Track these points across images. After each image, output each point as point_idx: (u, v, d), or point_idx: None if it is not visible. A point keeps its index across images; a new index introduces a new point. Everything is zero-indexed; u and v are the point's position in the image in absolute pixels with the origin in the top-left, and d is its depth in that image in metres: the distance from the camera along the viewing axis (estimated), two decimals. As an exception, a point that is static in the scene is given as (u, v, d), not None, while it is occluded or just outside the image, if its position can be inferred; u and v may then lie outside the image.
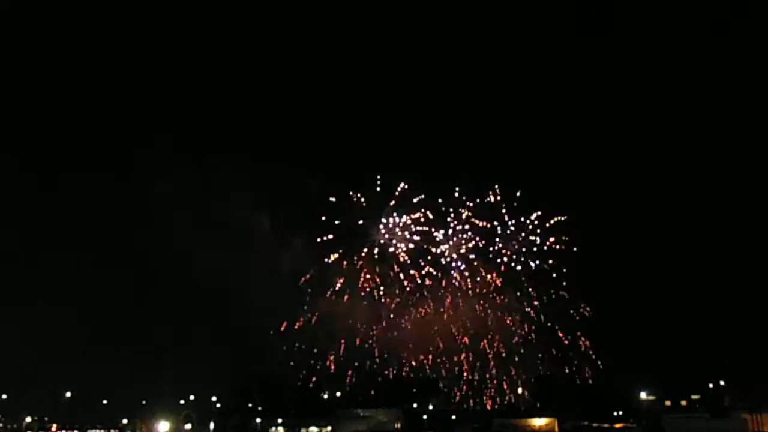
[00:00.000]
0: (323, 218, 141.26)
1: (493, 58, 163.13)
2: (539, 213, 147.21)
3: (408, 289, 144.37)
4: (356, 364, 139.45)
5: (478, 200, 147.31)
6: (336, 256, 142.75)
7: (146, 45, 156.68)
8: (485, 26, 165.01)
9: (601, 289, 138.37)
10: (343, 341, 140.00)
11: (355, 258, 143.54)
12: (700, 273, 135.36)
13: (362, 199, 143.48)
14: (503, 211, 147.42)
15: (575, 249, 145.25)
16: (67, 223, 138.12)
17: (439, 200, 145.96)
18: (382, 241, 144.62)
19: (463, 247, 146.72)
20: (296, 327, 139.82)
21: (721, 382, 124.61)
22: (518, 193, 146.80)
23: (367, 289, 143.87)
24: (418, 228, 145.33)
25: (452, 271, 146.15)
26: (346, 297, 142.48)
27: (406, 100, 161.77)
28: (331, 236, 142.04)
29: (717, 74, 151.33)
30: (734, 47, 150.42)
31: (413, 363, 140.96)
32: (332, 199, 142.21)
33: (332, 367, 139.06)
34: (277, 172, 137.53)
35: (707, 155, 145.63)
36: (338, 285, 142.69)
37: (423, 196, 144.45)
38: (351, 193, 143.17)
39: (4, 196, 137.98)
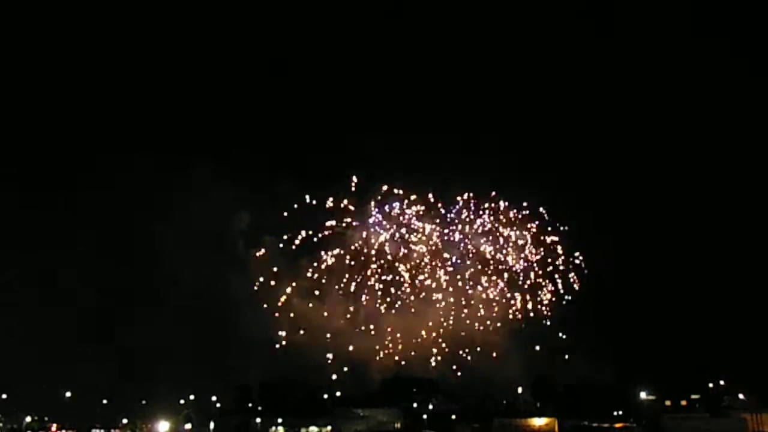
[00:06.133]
0: (299, 219, 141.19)
1: (475, 55, 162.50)
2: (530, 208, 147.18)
3: (387, 288, 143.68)
4: (345, 369, 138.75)
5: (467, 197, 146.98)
6: (312, 257, 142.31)
7: (123, 47, 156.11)
8: (474, 23, 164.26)
9: (600, 288, 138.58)
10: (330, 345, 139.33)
11: (333, 259, 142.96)
12: (700, 272, 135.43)
13: (340, 201, 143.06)
14: (493, 209, 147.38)
15: (573, 247, 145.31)
16: (63, 223, 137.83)
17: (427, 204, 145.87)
18: (360, 241, 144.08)
19: (447, 244, 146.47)
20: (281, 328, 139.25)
21: (721, 382, 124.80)
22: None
23: (349, 291, 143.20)
24: (398, 227, 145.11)
25: (435, 269, 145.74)
26: (325, 298, 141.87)
27: (391, 99, 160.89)
28: (307, 237, 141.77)
29: (717, 74, 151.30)
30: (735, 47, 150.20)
31: (401, 362, 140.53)
32: (308, 199, 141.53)
33: (327, 367, 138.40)
34: (254, 172, 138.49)
35: (705, 153, 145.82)
36: (316, 286, 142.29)
37: (403, 195, 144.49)
38: (328, 195, 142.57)
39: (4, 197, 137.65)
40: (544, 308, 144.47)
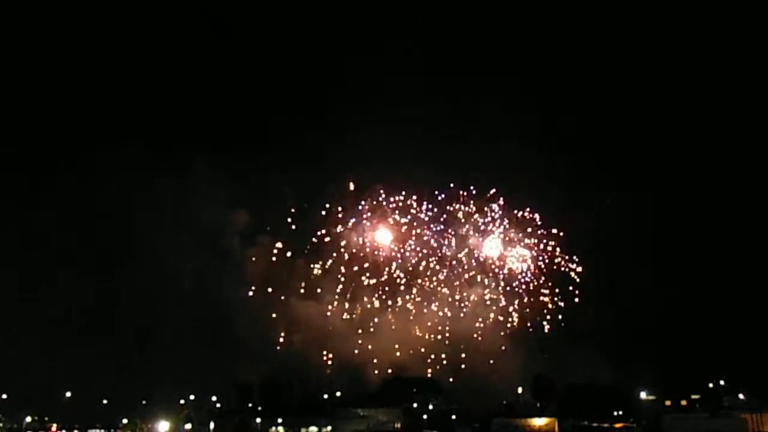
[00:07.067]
0: (297, 220, 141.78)
1: (471, 54, 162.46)
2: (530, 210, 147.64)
3: (384, 289, 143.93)
4: (344, 369, 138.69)
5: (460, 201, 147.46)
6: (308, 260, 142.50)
7: (122, 43, 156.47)
8: (473, 22, 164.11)
9: (601, 288, 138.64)
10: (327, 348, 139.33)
11: (330, 262, 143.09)
12: (700, 272, 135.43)
13: (337, 202, 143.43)
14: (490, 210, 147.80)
15: (572, 248, 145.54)
16: (62, 223, 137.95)
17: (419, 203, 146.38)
18: (356, 243, 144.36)
19: (441, 247, 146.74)
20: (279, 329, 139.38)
21: (721, 382, 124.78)
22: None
23: (347, 292, 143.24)
24: (395, 229, 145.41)
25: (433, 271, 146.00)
26: (323, 299, 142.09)
27: (390, 100, 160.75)
28: (304, 238, 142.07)
29: (718, 74, 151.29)
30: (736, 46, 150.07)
31: (400, 363, 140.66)
32: (306, 200, 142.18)
33: (326, 368, 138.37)
34: (252, 173, 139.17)
35: (704, 154, 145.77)
36: (314, 287, 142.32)
37: (402, 197, 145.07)
38: (326, 196, 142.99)
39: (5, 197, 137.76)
40: (543, 310, 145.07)
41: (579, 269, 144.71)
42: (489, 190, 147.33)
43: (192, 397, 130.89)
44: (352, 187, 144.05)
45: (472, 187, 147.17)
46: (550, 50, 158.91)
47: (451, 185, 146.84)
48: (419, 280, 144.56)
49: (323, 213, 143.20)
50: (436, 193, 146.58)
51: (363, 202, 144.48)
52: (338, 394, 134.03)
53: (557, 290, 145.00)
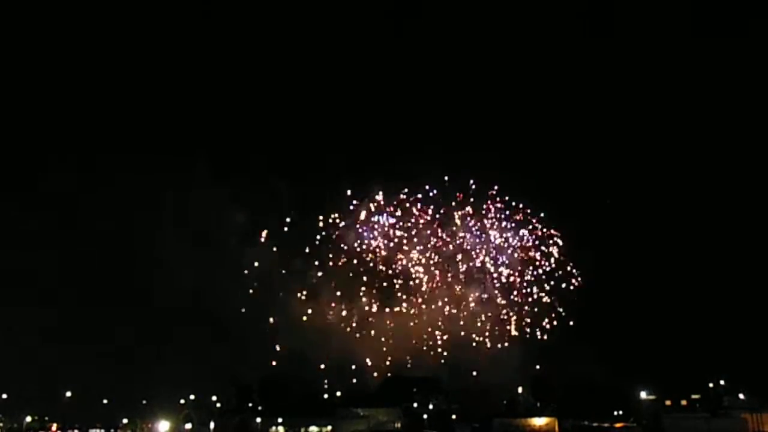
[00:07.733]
0: (296, 220, 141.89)
1: (470, 58, 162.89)
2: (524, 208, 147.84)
3: (383, 290, 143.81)
4: (344, 369, 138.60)
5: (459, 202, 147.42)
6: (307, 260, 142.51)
7: (123, 43, 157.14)
8: (474, 28, 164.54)
9: (601, 288, 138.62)
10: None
11: (328, 261, 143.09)
12: (700, 272, 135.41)
13: (336, 203, 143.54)
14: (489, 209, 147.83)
15: (572, 248, 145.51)
16: (62, 223, 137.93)
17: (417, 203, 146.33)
18: (355, 244, 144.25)
19: (440, 247, 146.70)
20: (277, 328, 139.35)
21: (721, 382, 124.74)
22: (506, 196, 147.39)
23: (345, 292, 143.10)
24: (392, 230, 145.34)
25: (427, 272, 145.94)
26: (322, 299, 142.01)
27: (389, 102, 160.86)
28: (303, 238, 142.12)
29: (718, 77, 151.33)
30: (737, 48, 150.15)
31: (399, 362, 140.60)
32: (305, 201, 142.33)
33: (325, 368, 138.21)
34: (252, 174, 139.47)
35: (705, 154, 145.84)
36: (311, 289, 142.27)
37: (402, 196, 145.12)
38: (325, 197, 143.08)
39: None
40: (543, 309, 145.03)
41: (578, 270, 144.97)
42: (489, 189, 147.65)
43: (192, 397, 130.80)
44: (350, 187, 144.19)
45: (471, 182, 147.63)
46: (546, 57, 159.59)
47: (446, 178, 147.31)
48: (418, 280, 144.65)
49: (322, 213, 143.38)
50: (431, 190, 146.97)
51: (361, 203, 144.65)
52: (338, 394, 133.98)
53: (557, 290, 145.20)
